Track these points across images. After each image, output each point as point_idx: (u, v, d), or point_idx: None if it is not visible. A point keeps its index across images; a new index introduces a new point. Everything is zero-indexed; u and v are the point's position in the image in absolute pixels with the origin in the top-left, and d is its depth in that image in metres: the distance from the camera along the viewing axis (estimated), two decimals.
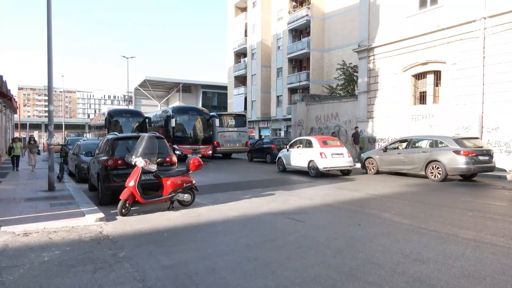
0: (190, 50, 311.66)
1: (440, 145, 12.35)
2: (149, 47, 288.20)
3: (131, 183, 7.22)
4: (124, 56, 41.54)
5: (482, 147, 12.32)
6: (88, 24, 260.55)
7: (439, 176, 11.95)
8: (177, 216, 7.21)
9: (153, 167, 7.59)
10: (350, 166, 13.79)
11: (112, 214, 7.29)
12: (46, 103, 12.51)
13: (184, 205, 7.94)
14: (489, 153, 12.13)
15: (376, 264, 4.36)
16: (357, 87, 22.79)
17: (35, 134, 59.75)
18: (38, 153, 17.92)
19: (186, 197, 7.86)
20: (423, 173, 12.60)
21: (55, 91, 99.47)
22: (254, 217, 7.12)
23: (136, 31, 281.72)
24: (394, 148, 14.00)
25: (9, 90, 19.98)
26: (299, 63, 39.13)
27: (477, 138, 13.27)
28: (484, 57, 14.36)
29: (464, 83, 15.17)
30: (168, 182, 7.60)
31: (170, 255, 4.80)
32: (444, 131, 15.77)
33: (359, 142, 19.04)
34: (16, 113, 42.17)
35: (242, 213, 7.42)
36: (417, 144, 13.26)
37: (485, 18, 14.21)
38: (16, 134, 43.24)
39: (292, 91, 36.80)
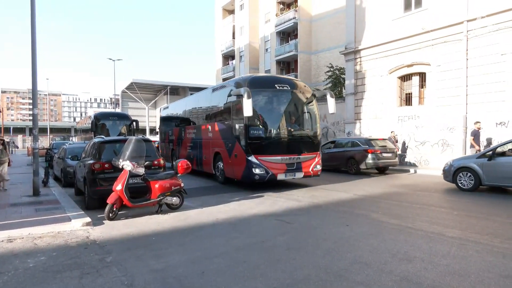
0: (178, 52, 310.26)
1: (356, 146, 15.06)
2: (136, 50, 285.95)
3: (118, 186, 7.14)
4: (110, 59, 41.12)
5: (385, 146, 15.01)
6: (74, 26, 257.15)
7: (354, 170, 14.83)
8: (165, 220, 7.15)
9: (141, 170, 7.52)
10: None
11: (99, 219, 7.19)
12: (31, 107, 12.26)
13: (172, 208, 7.89)
14: (392, 151, 15.06)
15: (364, 264, 4.40)
16: (344, 89, 22.99)
17: (19, 138, 58.51)
18: (9, 164, 11.46)
19: (175, 200, 7.81)
20: (344, 168, 15.32)
21: (40, 94, 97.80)
22: (243, 219, 7.11)
23: (123, 34, 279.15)
24: (328, 148, 16.36)
25: None
26: (287, 65, 39.33)
27: (384, 139, 15.65)
28: (467, 59, 14.68)
29: (448, 84, 15.48)
30: (156, 186, 7.54)
31: (158, 259, 4.76)
32: (430, 132, 16.07)
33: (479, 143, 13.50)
34: None
35: (231, 215, 7.41)
36: (342, 145, 15.95)
37: (468, 21, 14.54)
38: None
39: None
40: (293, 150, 10.69)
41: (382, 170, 15.33)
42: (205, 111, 14.02)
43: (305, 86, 11.65)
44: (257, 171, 10.18)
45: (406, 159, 17.21)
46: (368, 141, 14.92)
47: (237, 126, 10.77)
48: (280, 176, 10.42)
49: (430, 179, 12.81)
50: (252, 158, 10.24)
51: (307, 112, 11.42)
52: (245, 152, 10.33)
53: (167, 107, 20.17)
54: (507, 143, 10.16)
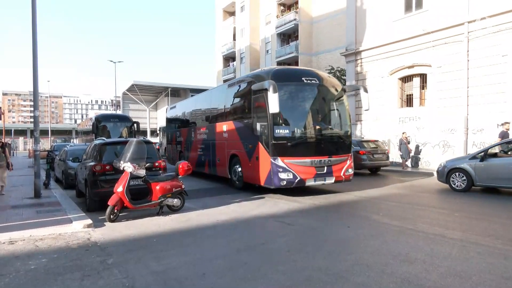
0: (178, 54, 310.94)
1: None
2: (137, 51, 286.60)
3: (119, 188, 7.15)
4: (111, 61, 41.27)
5: (377, 147, 15.52)
6: (74, 26, 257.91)
7: None
8: (166, 221, 7.15)
9: (142, 172, 7.52)
10: None
11: (100, 221, 7.20)
12: (32, 109, 12.30)
13: (173, 210, 7.89)
14: (383, 152, 15.49)
15: (365, 266, 4.40)
16: None
17: (20, 140, 58.57)
18: (8, 167, 10.59)
19: (176, 202, 7.82)
20: None
21: (41, 96, 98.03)
22: (244, 221, 7.11)
23: (124, 35, 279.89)
24: None
25: None
26: None
27: (376, 141, 16.14)
28: (468, 60, 14.67)
29: (449, 85, 15.47)
30: (157, 187, 7.54)
31: (159, 261, 4.76)
32: (431, 133, 16.06)
33: None
34: (0, 119, 41.34)
35: (232, 217, 7.41)
36: None
37: (468, 22, 14.54)
38: None
39: None
40: (323, 151, 9.55)
41: (374, 171, 15.70)
42: (218, 109, 12.86)
43: (333, 79, 10.63)
44: (283, 175, 9.06)
45: (420, 162, 16.60)
46: (360, 143, 15.34)
47: (258, 124, 9.64)
48: (309, 182, 9.38)
49: (425, 181, 12.78)
50: (278, 161, 9.09)
51: (337, 108, 10.25)
52: (270, 154, 9.21)
53: (174, 107, 18.91)
54: (498, 144, 10.43)
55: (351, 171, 10.10)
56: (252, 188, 10.99)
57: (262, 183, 9.67)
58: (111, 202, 7.12)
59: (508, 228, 6.15)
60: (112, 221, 7.09)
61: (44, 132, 55.91)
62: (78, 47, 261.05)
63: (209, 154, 13.26)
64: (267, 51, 40.06)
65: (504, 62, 13.61)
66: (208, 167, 13.41)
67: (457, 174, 10.36)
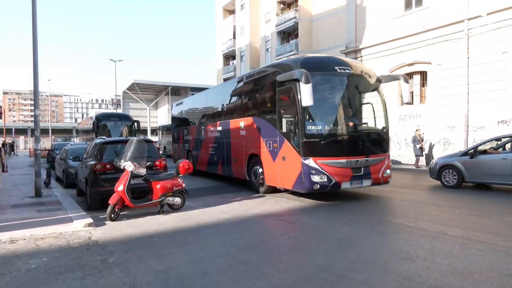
0: (178, 53, 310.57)
1: None
2: (137, 51, 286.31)
3: (120, 187, 7.15)
4: (111, 60, 41.20)
5: None
6: (75, 27, 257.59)
7: None
8: (167, 220, 7.15)
9: (143, 171, 7.53)
10: None
11: (101, 219, 7.20)
12: (32, 108, 12.29)
13: (174, 208, 7.89)
14: None
15: (366, 263, 4.39)
16: None
17: (21, 139, 58.58)
18: (3, 169, 9.91)
19: (176, 200, 7.82)
20: None
21: (41, 95, 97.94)
22: (245, 219, 7.11)
23: (124, 34, 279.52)
24: None
25: None
26: None
27: None
28: (468, 58, 14.64)
29: (449, 83, 15.44)
30: (158, 186, 7.54)
31: (160, 259, 4.76)
32: (431, 131, 16.03)
33: None
34: (0, 118, 41.41)
35: (233, 215, 7.41)
36: None
37: (468, 19, 14.50)
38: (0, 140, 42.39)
39: None
40: (360, 150, 8.50)
41: None
42: (234, 104, 11.82)
43: (367, 68, 9.62)
44: (316, 178, 7.97)
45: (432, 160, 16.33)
46: None
47: (285, 120, 8.56)
48: (345, 185, 8.31)
49: (418, 177, 12.76)
50: (310, 162, 8.00)
51: (374, 101, 9.27)
52: (300, 153, 8.12)
53: (181, 103, 17.64)
54: (488, 141, 10.60)
55: (389, 172, 9.01)
56: (251, 187, 10.94)
57: (290, 187, 8.66)
58: (111, 201, 7.12)
59: (509, 225, 6.14)
60: (113, 220, 7.10)
61: (44, 131, 55.93)
62: (79, 47, 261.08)
63: (222, 153, 12.25)
64: (267, 49, 40.00)
65: (504, 59, 13.59)
66: (222, 167, 12.40)
67: (448, 171, 10.59)
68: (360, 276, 4.01)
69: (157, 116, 57.13)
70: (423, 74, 16.93)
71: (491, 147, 10.35)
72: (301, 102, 7.69)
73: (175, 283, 3.98)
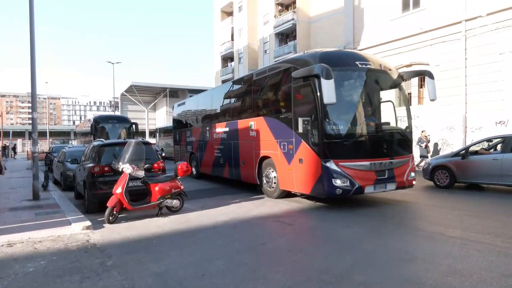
0: (176, 54, 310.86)
1: None
2: (135, 53, 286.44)
3: (118, 190, 7.12)
4: (109, 62, 41.17)
5: None
6: (73, 28, 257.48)
7: None
8: (165, 222, 7.13)
9: (141, 173, 7.50)
10: None
11: (99, 222, 7.17)
12: (30, 110, 12.24)
13: (172, 211, 7.87)
14: None
15: (365, 265, 4.39)
16: None
17: (19, 142, 58.46)
18: (0, 171, 9.06)
19: (175, 203, 7.80)
20: None
21: (39, 98, 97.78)
22: (243, 221, 7.09)
23: (122, 37, 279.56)
24: None
25: None
26: None
27: None
28: (466, 59, 14.71)
29: (447, 84, 15.48)
30: (156, 188, 7.52)
31: (159, 262, 4.74)
32: (430, 131, 16.04)
33: None
34: None
35: (231, 217, 7.39)
36: None
37: (466, 20, 14.56)
38: None
39: None
40: (384, 151, 7.97)
41: None
42: (243, 104, 11.20)
43: (388, 64, 8.99)
44: (338, 182, 7.37)
45: None
46: None
47: (301, 120, 7.95)
48: (368, 189, 7.70)
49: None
50: (331, 164, 7.40)
51: (397, 98, 8.74)
52: (320, 155, 7.54)
53: (183, 103, 16.95)
54: (479, 142, 10.82)
55: (413, 174, 8.40)
56: (252, 189, 10.95)
57: (308, 192, 8.15)
58: (110, 203, 7.09)
59: (508, 225, 6.15)
60: (111, 222, 7.07)
61: (42, 134, 55.82)
62: (76, 48, 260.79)
63: (230, 156, 11.65)
64: (265, 51, 40.05)
65: (501, 60, 13.65)
66: (229, 171, 11.77)
67: (440, 171, 10.75)
68: (359, 277, 4.00)
69: (155, 118, 57.10)
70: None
71: (482, 148, 10.48)
72: (321, 100, 7.15)
73: (174, 286, 3.96)
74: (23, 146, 60.86)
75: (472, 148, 10.47)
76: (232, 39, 45.08)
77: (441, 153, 15.43)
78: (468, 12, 14.54)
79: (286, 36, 38.56)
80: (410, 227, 6.18)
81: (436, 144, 16.28)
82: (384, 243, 5.26)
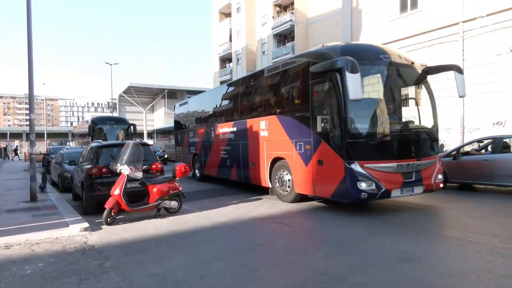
0: (175, 55, 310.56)
1: None
2: (133, 53, 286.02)
3: (116, 191, 7.10)
4: (107, 63, 41.09)
5: None
6: (70, 29, 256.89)
7: None
8: (164, 224, 7.12)
9: (139, 175, 7.49)
10: None
11: (97, 224, 7.15)
12: (27, 112, 12.18)
13: (171, 212, 7.86)
14: None
15: (364, 266, 4.38)
16: None
17: (16, 143, 58.26)
18: None
19: (173, 204, 7.78)
20: None
21: (37, 99, 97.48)
22: (242, 222, 7.08)
23: (120, 37, 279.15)
24: None
25: None
26: None
27: None
28: (463, 60, 14.76)
29: (445, 85, 15.51)
30: (155, 190, 7.51)
31: (157, 264, 4.73)
32: None
33: None
34: None
35: (230, 218, 7.38)
36: None
37: (463, 21, 14.62)
38: None
39: None
40: (411, 152, 7.42)
41: None
42: (253, 102, 10.61)
43: (411, 58, 8.53)
44: (363, 185, 6.80)
45: None
46: None
47: (320, 118, 7.49)
48: (395, 193, 7.15)
49: None
50: (356, 166, 6.83)
51: (423, 95, 8.25)
52: (343, 156, 6.95)
53: (186, 103, 16.26)
54: (470, 143, 10.94)
55: (441, 177, 7.84)
56: (250, 190, 10.94)
57: (328, 196, 7.58)
58: (108, 205, 7.07)
59: (506, 226, 6.16)
60: (109, 224, 7.05)
61: (40, 135, 55.68)
62: (75, 48, 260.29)
63: (237, 157, 11.05)
64: (264, 52, 40.09)
65: (499, 61, 13.71)
66: (237, 173, 11.15)
67: None
68: (357, 278, 4.00)
69: (153, 120, 57.04)
70: None
71: (473, 149, 10.55)
72: (344, 96, 6.65)
73: (173, 287, 3.95)
74: (20, 148, 60.67)
75: (463, 149, 10.59)
76: (230, 40, 45.11)
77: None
78: (466, 13, 14.60)
79: (284, 37, 38.61)
80: (408, 227, 6.18)
81: (442, 145, 16.32)
82: (381, 244, 5.27)
